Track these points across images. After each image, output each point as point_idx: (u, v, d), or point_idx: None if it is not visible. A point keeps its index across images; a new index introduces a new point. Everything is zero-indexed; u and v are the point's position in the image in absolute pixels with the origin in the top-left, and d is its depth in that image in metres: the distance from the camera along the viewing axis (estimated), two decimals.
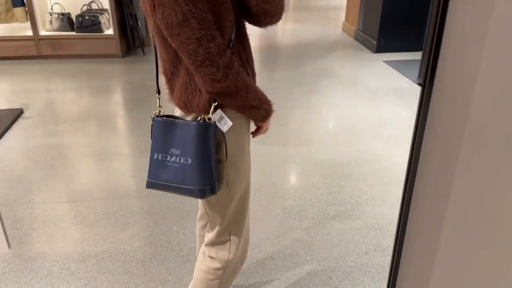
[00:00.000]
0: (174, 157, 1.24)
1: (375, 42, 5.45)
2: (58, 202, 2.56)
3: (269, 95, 1.30)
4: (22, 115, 3.69)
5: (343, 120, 3.64)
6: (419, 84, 4.39)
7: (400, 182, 2.74)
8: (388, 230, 2.31)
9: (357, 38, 6.10)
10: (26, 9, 5.12)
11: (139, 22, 5.50)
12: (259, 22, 1.23)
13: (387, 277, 2.02)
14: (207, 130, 1.19)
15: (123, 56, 5.38)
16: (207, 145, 1.20)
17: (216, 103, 1.20)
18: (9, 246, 0.76)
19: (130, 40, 5.47)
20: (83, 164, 2.98)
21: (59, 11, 5.26)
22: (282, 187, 2.70)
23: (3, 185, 2.73)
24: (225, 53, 1.10)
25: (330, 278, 2.01)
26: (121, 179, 2.81)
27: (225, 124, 1.21)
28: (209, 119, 1.20)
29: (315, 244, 2.21)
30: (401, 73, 4.75)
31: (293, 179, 2.82)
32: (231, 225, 1.43)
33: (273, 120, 1.34)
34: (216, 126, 1.20)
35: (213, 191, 1.25)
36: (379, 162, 2.98)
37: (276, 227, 2.34)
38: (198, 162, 1.20)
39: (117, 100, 4.26)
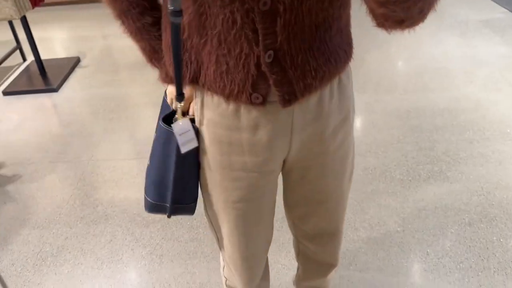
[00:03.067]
0: None
1: None
2: (118, 159, 2.41)
3: None
4: (79, 63, 3.54)
5: (429, 60, 3.14)
6: None
7: (505, 136, 2.30)
8: (495, 195, 1.93)
9: None
10: None
11: None
12: (378, 25, 0.76)
13: (496, 254, 1.69)
14: None
15: None
16: None
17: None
18: None
19: None
20: (143, 116, 2.79)
21: None
22: (361, 142, 2.36)
23: (63, 140, 2.61)
24: None
25: (428, 254, 1.71)
26: None
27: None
28: None
29: (406, 212, 1.90)
30: (495, 1, 4.04)
31: (374, 132, 2.45)
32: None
33: None
34: None
35: None
36: (477, 110, 2.52)
37: (357, 191, 2.03)
38: None
39: None
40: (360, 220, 1.88)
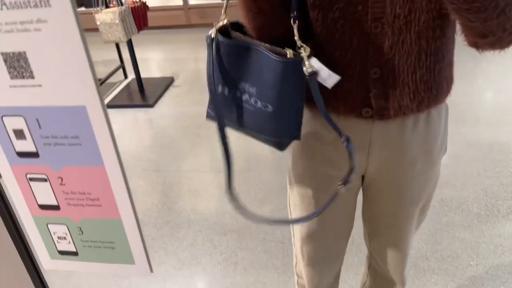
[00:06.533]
0: (247, 96, 0.91)
1: None
2: (202, 171, 2.62)
3: None
4: (173, 83, 3.88)
5: None
6: None
7: None
8: None
9: None
10: None
11: None
12: (469, 43, 0.85)
13: None
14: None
15: None
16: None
17: None
18: (151, 269, 0.66)
19: None
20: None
21: None
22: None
23: (155, 151, 2.89)
24: None
25: None
26: (261, 151, 2.75)
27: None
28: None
29: (481, 247, 1.87)
30: None
31: (453, 164, 2.43)
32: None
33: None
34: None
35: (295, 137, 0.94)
36: None
37: (431, 221, 2.03)
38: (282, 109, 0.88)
39: None
40: (432, 251, 1.88)
